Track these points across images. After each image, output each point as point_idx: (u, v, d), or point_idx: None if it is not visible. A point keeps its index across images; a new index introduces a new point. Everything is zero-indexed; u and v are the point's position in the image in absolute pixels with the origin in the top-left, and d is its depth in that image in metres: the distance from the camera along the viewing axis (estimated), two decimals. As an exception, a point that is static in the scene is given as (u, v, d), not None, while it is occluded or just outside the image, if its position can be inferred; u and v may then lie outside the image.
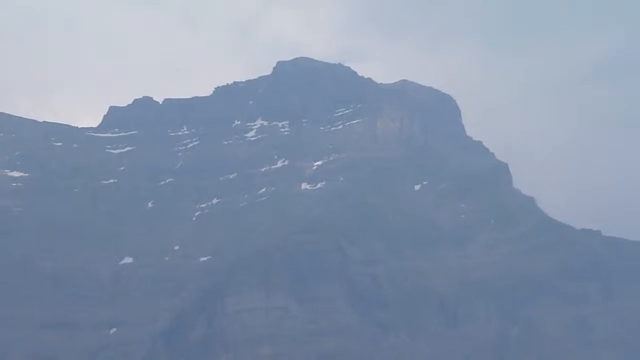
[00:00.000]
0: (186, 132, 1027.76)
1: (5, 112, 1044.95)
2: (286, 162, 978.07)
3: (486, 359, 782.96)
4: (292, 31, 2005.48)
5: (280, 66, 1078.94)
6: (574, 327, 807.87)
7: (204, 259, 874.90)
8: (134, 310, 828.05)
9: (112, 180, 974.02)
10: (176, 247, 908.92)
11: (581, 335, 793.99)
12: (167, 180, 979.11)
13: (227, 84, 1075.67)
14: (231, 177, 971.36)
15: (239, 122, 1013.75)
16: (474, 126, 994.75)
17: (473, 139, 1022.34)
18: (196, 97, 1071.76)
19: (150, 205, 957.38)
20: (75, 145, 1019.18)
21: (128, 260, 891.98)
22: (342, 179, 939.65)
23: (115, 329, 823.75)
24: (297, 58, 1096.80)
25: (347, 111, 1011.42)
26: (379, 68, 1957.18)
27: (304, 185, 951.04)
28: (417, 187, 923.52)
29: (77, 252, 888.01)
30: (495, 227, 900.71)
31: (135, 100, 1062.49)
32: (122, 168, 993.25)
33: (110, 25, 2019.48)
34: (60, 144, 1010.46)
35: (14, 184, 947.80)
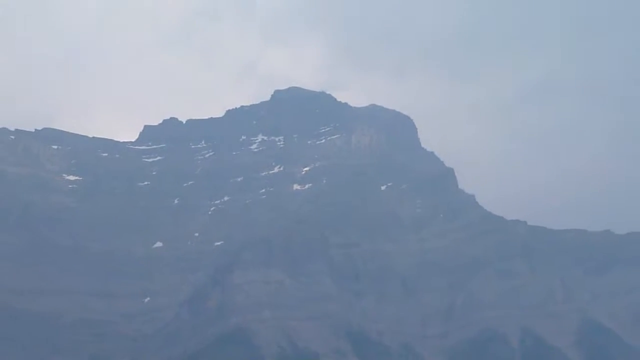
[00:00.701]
0: (204, 144, 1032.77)
1: (63, 129, 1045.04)
2: (281, 168, 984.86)
3: (437, 321, 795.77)
4: (285, 67, 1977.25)
5: (276, 94, 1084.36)
6: (506, 296, 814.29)
7: (218, 243, 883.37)
8: (163, 284, 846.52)
9: (146, 183, 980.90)
10: (196, 234, 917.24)
11: (511, 302, 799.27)
12: (189, 183, 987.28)
13: (235, 107, 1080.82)
14: (238, 180, 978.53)
15: (244, 137, 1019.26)
16: (428, 140, 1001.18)
17: (427, 149, 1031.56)
18: (211, 117, 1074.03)
19: (175, 201, 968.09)
20: (117, 155, 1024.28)
21: (159, 244, 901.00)
22: (325, 181, 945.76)
23: (148, 298, 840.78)
24: (289, 87, 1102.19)
25: (328, 128, 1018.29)
26: (353, 95, 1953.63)
27: (295, 186, 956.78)
28: (383, 188, 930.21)
29: (118, 237, 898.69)
30: (444, 219, 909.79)
31: (164, 120, 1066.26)
32: (154, 173, 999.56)
33: (144, 61, 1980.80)
34: (106, 154, 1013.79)
35: (70, 185, 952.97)
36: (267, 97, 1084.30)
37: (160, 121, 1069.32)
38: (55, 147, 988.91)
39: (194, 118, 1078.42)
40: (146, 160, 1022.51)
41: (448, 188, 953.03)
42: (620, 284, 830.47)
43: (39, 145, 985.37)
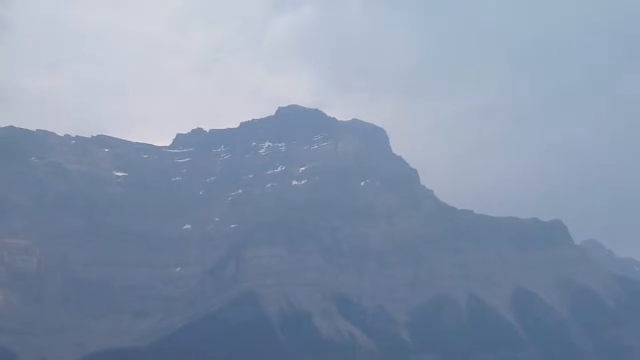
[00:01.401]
0: (223, 149, 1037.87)
1: (113, 136, 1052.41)
2: (283, 168, 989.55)
3: (404, 288, 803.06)
4: (286, 89, 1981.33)
5: (280, 110, 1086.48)
6: (457, 269, 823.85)
7: (233, 226, 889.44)
8: (190, 257, 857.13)
9: (177, 178, 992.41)
10: (216, 219, 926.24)
11: (461, 273, 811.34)
12: (211, 178, 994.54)
13: (247, 120, 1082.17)
14: (250, 176, 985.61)
15: (254, 143, 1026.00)
16: (397, 146, 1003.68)
17: (396, 154, 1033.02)
18: (229, 128, 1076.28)
19: (200, 193, 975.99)
20: (155, 156, 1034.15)
21: (188, 226, 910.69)
22: (317, 178, 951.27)
23: (179, 268, 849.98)
24: (289, 105, 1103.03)
25: (319, 137, 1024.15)
26: (338, 111, 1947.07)
27: (294, 182, 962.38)
28: (362, 184, 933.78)
29: (156, 221, 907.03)
30: (409, 208, 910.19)
31: (192, 129, 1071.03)
32: (184, 170, 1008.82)
33: (176, 84, 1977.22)
34: (146, 156, 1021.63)
35: (118, 180, 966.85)
36: (272, 113, 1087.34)
37: (189, 130, 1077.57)
38: (107, 150, 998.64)
39: (215, 128, 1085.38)
40: (178, 160, 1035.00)
41: (412, 184, 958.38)
42: (544, 259, 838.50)
43: (95, 148, 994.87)
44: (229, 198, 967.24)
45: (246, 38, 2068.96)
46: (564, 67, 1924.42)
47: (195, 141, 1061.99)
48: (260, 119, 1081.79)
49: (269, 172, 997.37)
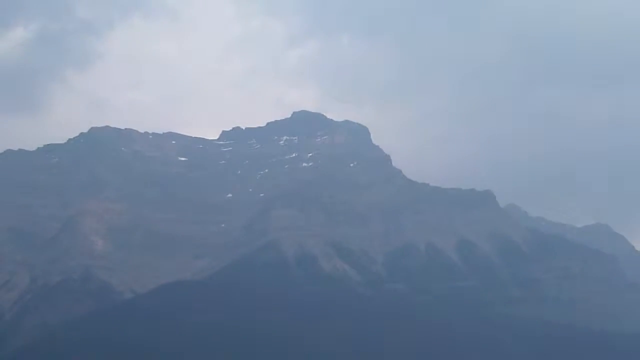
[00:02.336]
0: (254, 141, 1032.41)
1: (177, 132, 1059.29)
2: (296, 154, 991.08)
3: (381, 238, 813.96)
4: (298, 99, 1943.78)
5: (294, 114, 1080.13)
6: (419, 225, 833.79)
7: (262, 195, 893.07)
8: (230, 217, 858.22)
9: (222, 162, 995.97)
10: (250, 190, 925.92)
11: (421, 228, 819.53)
12: (246, 162, 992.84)
13: (271, 121, 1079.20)
14: (273, 160, 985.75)
15: (276, 137, 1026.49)
16: (376, 139, 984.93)
17: (375, 144, 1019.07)
18: (259, 126, 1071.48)
19: (239, 172, 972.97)
20: (207, 146, 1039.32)
21: (229, 195, 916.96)
22: (320, 161, 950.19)
23: (223, 225, 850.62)
24: (301, 110, 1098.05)
25: (322, 133, 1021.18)
26: (335, 114, 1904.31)
27: (304, 164, 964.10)
28: (351, 165, 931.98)
29: (207, 191, 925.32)
30: (384, 182, 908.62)
31: (233, 127, 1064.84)
32: (227, 156, 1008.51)
33: (221, 95, 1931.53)
34: (201, 146, 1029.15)
35: (181, 163, 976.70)
36: (289, 115, 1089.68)
37: (230, 128, 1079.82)
38: (173, 142, 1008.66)
39: (248, 127, 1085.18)
40: (222, 149, 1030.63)
41: (386, 166, 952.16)
42: (479, 218, 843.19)
43: (165, 141, 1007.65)
44: (258, 175, 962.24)
45: (270, 64, 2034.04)
46: (492, 78, 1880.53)
47: (235, 136, 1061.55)
48: (280, 120, 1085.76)
49: (286, 157, 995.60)
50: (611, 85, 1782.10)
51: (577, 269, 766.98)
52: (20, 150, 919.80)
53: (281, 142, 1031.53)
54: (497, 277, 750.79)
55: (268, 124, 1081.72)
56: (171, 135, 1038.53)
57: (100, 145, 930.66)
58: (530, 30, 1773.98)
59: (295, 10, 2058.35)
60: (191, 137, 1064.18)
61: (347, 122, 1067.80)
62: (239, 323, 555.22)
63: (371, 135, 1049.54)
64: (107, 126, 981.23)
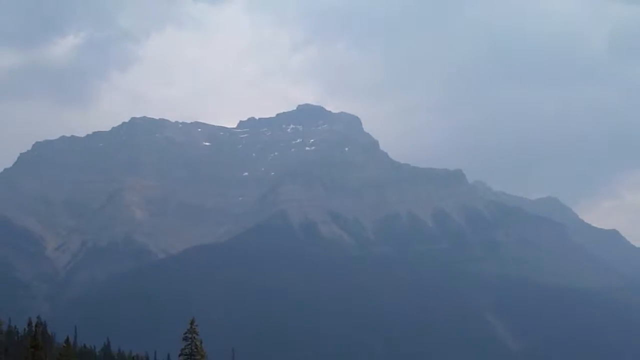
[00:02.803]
0: (266, 129, 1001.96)
1: (203, 122, 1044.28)
2: (301, 140, 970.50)
3: (369, 210, 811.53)
4: (302, 94, 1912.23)
5: (299, 106, 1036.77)
6: (400, 197, 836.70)
7: (272, 173, 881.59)
8: (247, 190, 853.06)
9: (240, 146, 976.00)
10: (262, 169, 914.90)
11: (403, 199, 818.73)
12: (259, 146, 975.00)
13: (280, 112, 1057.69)
14: (282, 144, 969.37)
15: (284, 125, 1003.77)
16: (366, 127, 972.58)
17: (366, 131, 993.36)
18: (269, 117, 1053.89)
19: (253, 154, 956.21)
20: (227, 133, 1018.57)
21: (246, 173, 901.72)
22: (320, 146, 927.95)
23: (241, 197, 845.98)
24: (305, 103, 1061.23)
25: (322, 122, 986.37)
26: (333, 107, 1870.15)
27: (307, 148, 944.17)
28: (346, 149, 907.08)
29: (228, 170, 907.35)
30: (372, 162, 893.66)
31: (248, 117, 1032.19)
32: (244, 141, 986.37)
33: (240, 94, 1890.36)
34: (222, 133, 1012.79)
35: (205, 147, 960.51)
36: (295, 108, 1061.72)
37: (246, 118, 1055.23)
38: (199, 130, 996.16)
39: (261, 117, 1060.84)
40: (240, 135, 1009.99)
41: (375, 149, 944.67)
42: (451, 193, 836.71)
43: (193, 128, 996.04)
44: (269, 157, 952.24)
45: (278, 65, 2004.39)
46: (464, 78, 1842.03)
47: (250, 125, 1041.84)
48: (287, 112, 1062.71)
49: (292, 142, 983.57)
50: (558, 86, 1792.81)
51: (531, 234, 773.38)
52: (72, 136, 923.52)
53: (288, 130, 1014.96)
54: (465, 241, 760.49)
55: (277, 114, 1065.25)
56: (197, 124, 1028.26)
57: (138, 132, 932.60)
58: (494, 41, 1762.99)
59: (299, 21, 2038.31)
60: (214, 125, 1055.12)
61: (342, 113, 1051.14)
62: (254, 278, 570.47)
63: (362, 124, 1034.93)
64: (144, 116, 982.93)
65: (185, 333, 79.77)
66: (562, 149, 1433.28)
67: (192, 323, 79.80)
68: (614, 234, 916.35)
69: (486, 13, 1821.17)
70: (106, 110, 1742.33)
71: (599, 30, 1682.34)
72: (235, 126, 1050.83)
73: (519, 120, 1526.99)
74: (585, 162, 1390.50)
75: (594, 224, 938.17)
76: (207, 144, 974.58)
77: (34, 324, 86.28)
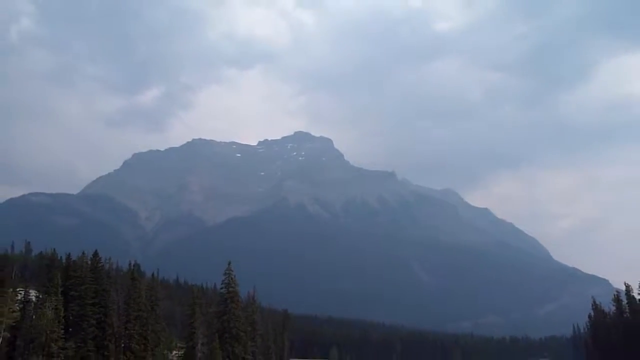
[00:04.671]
0: (274, 146, 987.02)
1: (234, 141, 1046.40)
2: (295, 153, 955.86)
3: (337, 197, 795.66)
4: (297, 124, 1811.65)
5: (295, 132, 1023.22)
6: (353, 192, 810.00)
7: (279, 173, 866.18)
8: (262, 185, 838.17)
9: (258, 157, 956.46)
10: (272, 170, 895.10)
11: (357, 194, 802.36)
12: (270, 156, 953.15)
13: (284, 136, 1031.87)
14: (285, 157, 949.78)
15: (286, 144, 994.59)
16: (337, 145, 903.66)
17: (335, 147, 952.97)
18: (276, 138, 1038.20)
19: (266, 162, 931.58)
20: (251, 149, 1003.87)
21: (262, 173, 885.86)
22: (309, 157, 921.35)
23: (260, 189, 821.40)
24: (299, 130, 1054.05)
25: (308, 141, 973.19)
26: (315, 132, 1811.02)
27: (300, 158, 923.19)
28: (323, 159, 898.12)
29: (249, 172, 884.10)
30: (339, 168, 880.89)
31: (264, 139, 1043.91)
32: (261, 154, 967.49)
33: (258, 120, 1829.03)
34: (247, 148, 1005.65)
35: (236, 157, 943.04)
36: (292, 133, 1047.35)
37: (262, 139, 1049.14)
38: (234, 146, 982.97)
39: (272, 138, 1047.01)
40: (259, 150, 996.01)
41: (341, 159, 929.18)
42: (389, 185, 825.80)
43: (229, 146, 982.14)
44: (277, 164, 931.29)
45: (282, 107, 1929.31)
46: (391, 115, 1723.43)
47: (265, 143, 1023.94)
48: (288, 135, 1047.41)
49: (291, 154, 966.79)
50: (452, 121, 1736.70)
51: (437, 211, 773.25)
52: (156, 150, 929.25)
53: (288, 147, 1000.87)
54: (396, 216, 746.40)
55: (282, 137, 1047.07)
56: (233, 143, 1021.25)
57: (196, 148, 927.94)
58: (412, 94, 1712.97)
59: (294, 80, 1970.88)
60: (242, 143, 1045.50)
61: (321, 136, 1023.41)
62: (264, 239, 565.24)
63: (334, 143, 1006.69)
64: (200, 138, 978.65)
65: (225, 270, 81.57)
66: (455, 158, 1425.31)
67: (229, 264, 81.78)
68: (485, 211, 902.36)
69: (408, 78, 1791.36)
70: (176, 134, 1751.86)
71: (477, 88, 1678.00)
72: (256, 144, 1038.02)
73: (429, 140, 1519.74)
74: (469, 167, 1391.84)
75: (474, 204, 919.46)
76: (238, 155, 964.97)
77: (132, 265, 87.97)
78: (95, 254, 76.44)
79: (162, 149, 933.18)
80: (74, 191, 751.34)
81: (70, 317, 63.24)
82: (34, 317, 61.75)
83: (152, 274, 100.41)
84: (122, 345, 61.22)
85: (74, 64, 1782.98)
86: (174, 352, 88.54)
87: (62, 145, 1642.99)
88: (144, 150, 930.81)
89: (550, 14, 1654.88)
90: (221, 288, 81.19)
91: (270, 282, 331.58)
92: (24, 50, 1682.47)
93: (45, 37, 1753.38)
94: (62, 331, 56.97)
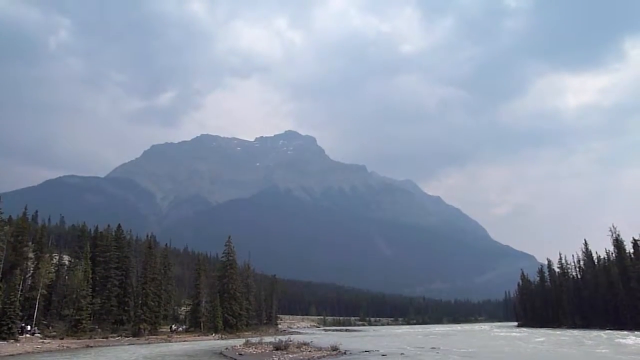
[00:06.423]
0: (268, 142, 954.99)
1: (235, 136, 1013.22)
2: (285, 148, 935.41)
3: (317, 185, 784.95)
4: (286, 124, 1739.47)
5: (286, 130, 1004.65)
6: (337, 183, 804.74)
7: (272, 164, 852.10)
8: (259, 176, 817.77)
9: (254, 150, 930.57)
10: (267, 162, 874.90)
11: (338, 185, 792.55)
12: (265, 150, 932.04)
13: (276, 134, 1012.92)
14: (278, 150, 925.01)
15: (278, 140, 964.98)
16: (319, 142, 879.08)
17: (320, 146, 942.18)
18: (270, 136, 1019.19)
19: (262, 155, 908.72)
20: (245, 145, 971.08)
21: (258, 164, 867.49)
22: (296, 151, 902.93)
23: (254, 177, 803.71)
24: (288, 129, 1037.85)
25: (296, 138, 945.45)
26: (301, 130, 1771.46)
27: (289, 152, 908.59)
28: (308, 154, 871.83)
29: (247, 163, 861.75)
30: (321, 162, 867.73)
31: (261, 136, 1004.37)
32: (257, 148, 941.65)
33: (256, 121, 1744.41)
34: (246, 144, 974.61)
35: (237, 150, 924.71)
36: (283, 132, 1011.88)
37: (259, 136, 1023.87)
38: (235, 141, 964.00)
39: (267, 136, 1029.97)
40: (255, 145, 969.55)
41: (322, 154, 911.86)
42: (359, 175, 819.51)
43: (231, 141, 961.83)
44: (270, 156, 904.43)
45: (274, 110, 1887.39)
46: (366, 120, 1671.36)
47: (260, 139, 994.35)
48: (279, 133, 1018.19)
49: (282, 149, 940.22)
50: (411, 125, 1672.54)
51: (398, 197, 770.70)
52: (170, 142, 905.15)
53: (279, 143, 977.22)
54: (365, 201, 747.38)
55: (274, 135, 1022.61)
56: (234, 139, 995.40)
57: (204, 142, 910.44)
58: (381, 101, 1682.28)
59: (284, 89, 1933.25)
60: (242, 139, 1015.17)
61: (307, 135, 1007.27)
62: (260, 217, 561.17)
63: (317, 141, 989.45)
64: (207, 134, 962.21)
65: (226, 242, 79.13)
66: (415, 155, 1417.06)
67: (229, 237, 79.26)
68: (437, 198, 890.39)
69: (378, 89, 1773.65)
70: (187, 130, 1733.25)
71: (434, 98, 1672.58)
72: (253, 140, 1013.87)
73: (394, 140, 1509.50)
74: (425, 162, 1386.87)
75: (428, 193, 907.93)
76: (239, 148, 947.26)
77: (149, 237, 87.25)
78: (119, 227, 76.76)
79: (175, 142, 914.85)
80: (102, 174, 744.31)
81: (97, 278, 64.52)
82: (66, 277, 63.65)
83: (166, 244, 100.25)
84: (140, 301, 62.73)
85: (104, 71, 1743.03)
86: (183, 307, 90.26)
87: (92, 137, 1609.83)
88: (161, 142, 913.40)
89: (494, 41, 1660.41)
90: (222, 256, 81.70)
91: (263, 252, 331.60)
92: (61, 58, 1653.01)
93: (80, 47, 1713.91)
94: (90, 290, 58.24)
